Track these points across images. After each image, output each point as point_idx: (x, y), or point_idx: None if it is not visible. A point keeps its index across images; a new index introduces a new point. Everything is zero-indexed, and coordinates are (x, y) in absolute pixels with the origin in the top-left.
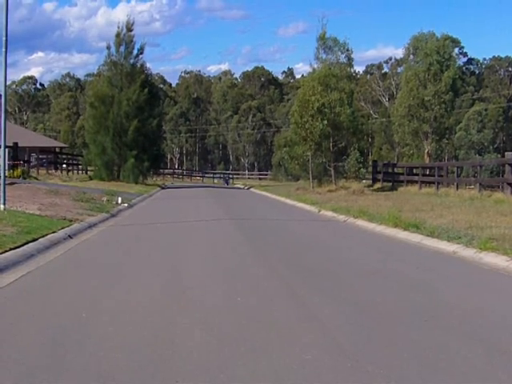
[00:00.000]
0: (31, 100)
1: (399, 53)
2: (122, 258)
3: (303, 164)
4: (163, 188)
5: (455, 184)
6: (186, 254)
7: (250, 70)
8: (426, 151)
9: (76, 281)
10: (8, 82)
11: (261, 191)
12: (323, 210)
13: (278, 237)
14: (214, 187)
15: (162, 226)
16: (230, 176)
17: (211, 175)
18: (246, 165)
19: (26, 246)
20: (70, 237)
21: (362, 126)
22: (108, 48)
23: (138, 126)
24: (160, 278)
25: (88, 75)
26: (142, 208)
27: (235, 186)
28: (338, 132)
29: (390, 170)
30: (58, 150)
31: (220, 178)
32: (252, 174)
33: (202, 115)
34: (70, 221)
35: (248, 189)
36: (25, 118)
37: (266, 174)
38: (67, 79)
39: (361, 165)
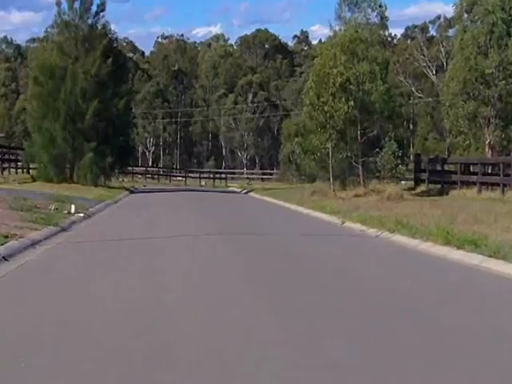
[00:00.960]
0: None
1: (450, 10)
2: (67, 301)
3: (321, 160)
4: (132, 192)
5: None
6: (158, 299)
7: (249, 33)
8: (487, 142)
9: None
10: None
11: (263, 196)
12: (348, 222)
13: (289, 264)
14: (200, 191)
15: (128, 244)
16: (223, 176)
17: (197, 175)
18: (245, 161)
19: None
20: (4, 259)
21: (400, 107)
22: (58, 4)
23: (98, 108)
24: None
25: (31, 40)
26: (102, 219)
27: (229, 188)
28: (367, 116)
29: (438, 168)
30: None
31: (209, 178)
32: (252, 174)
33: (185, 94)
34: (6, 237)
35: (246, 193)
36: None
37: (272, 174)
38: (3, 46)
39: (399, 160)
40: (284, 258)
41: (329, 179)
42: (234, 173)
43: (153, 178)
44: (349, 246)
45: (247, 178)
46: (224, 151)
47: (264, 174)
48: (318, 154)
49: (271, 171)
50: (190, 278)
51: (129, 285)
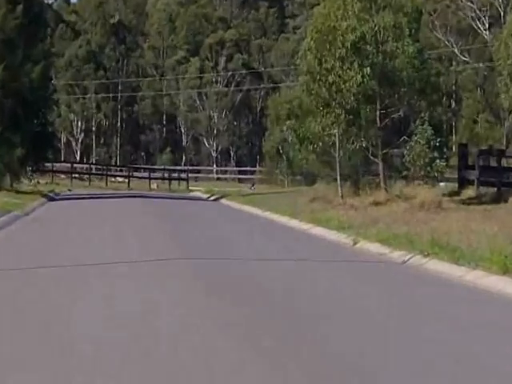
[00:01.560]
0: None
1: None
2: None
3: (324, 152)
4: (52, 199)
5: None
6: None
7: None
8: None
9: None
10: None
11: (242, 204)
12: (363, 242)
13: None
14: (150, 197)
15: (42, 284)
16: (183, 175)
17: (146, 174)
18: (214, 154)
19: None
20: None
21: (437, 77)
22: None
23: (2, 77)
24: None
25: None
26: (3, 242)
27: (192, 193)
28: (390, 90)
29: (493, 164)
30: None
31: (163, 179)
32: (226, 172)
33: (128, 59)
34: None
35: (216, 199)
36: None
37: (253, 172)
38: None
39: (435, 153)
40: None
41: (335, 180)
42: (198, 171)
43: (82, 179)
44: (362, 281)
45: (217, 179)
46: (184, 140)
47: (242, 172)
48: (320, 144)
49: (252, 169)
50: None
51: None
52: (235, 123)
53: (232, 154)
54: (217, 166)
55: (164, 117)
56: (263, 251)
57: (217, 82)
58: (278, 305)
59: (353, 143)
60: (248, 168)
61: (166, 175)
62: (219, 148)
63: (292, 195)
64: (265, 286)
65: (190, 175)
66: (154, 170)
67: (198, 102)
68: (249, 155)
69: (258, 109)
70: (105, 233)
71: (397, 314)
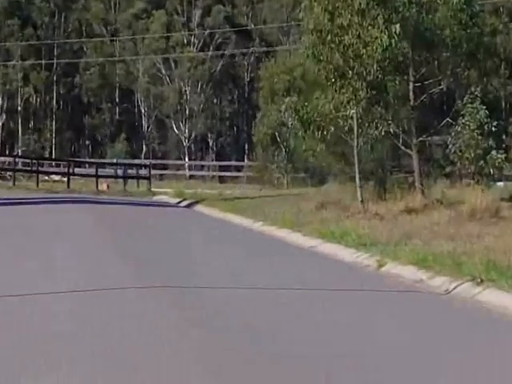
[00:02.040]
0: None
1: None
2: None
3: (337, 141)
4: None
5: None
6: None
7: None
8: None
9: None
10: None
11: (225, 213)
12: (391, 263)
13: None
14: (97, 202)
15: None
16: (143, 172)
17: (92, 171)
18: (186, 142)
19: None
20: None
21: (492, 37)
22: None
23: None
24: None
25: None
26: None
27: (155, 196)
28: (428, 54)
29: None
30: None
31: (116, 177)
32: (202, 168)
33: (67, 12)
34: None
35: (190, 205)
36: None
37: (240, 168)
38: None
39: (491, 141)
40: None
41: (352, 179)
42: (164, 166)
43: (3, 178)
44: (392, 322)
45: (190, 177)
46: (145, 124)
47: (224, 168)
48: (332, 129)
49: (239, 163)
50: None
51: None
52: (215, 101)
53: (211, 143)
54: (190, 159)
55: (117, 92)
56: (258, 280)
57: (189, 43)
58: (285, 369)
59: (377, 128)
60: (233, 162)
61: (120, 172)
62: (193, 135)
63: (293, 199)
64: (266, 337)
65: (152, 172)
66: (103, 166)
67: (163, 71)
68: (234, 145)
69: (247, 81)
70: (36, 251)
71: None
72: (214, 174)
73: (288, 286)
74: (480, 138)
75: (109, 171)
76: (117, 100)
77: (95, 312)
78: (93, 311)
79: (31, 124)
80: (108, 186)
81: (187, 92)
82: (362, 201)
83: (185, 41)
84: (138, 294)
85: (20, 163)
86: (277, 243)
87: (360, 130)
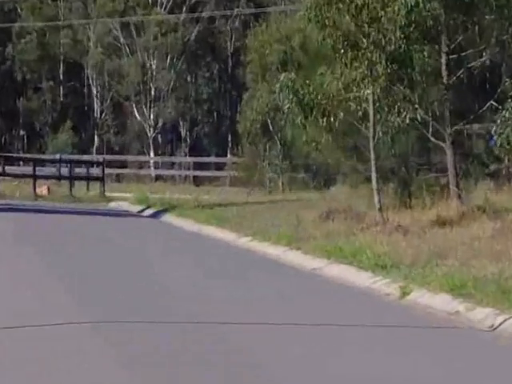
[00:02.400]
0: None
1: None
2: None
3: (348, 130)
4: None
5: None
6: None
7: None
8: None
9: None
10: None
11: (201, 224)
12: (417, 291)
13: None
14: (33, 210)
15: None
16: (95, 172)
17: (29, 169)
18: (151, 133)
19: None
20: None
21: None
22: None
23: None
24: None
25: None
26: None
27: (111, 203)
28: (466, 17)
29: None
30: None
31: (59, 178)
32: (172, 166)
33: None
34: None
35: (156, 214)
36: None
37: (222, 166)
38: None
39: None
40: None
41: (368, 180)
42: (124, 164)
43: None
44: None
45: (155, 177)
46: (97, 108)
47: (200, 166)
48: (341, 115)
49: (220, 159)
50: None
51: None
52: (189, 78)
53: (183, 133)
54: (156, 154)
55: (61, 67)
56: (245, 314)
57: (156, 3)
58: None
59: (399, 114)
60: (212, 158)
61: (65, 171)
62: (160, 122)
63: (291, 207)
64: None
65: (107, 171)
66: (42, 163)
67: (121, 39)
68: (213, 136)
69: (230, 52)
70: None
71: None
72: (188, 173)
73: (284, 321)
74: None
75: (50, 170)
76: (61, 77)
77: (27, 351)
78: (22, 350)
79: None
80: (49, 190)
81: (153, 67)
82: (380, 208)
83: (147, 2)
84: (77, 330)
85: None
86: (269, 264)
87: (378, 117)
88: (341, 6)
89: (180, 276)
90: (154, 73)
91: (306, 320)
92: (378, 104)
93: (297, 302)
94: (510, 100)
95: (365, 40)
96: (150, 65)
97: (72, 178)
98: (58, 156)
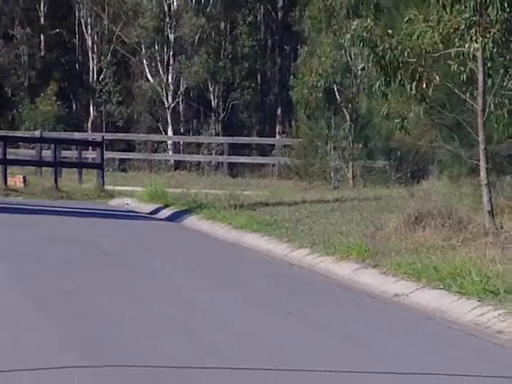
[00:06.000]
0: None
1: None
2: None
3: (447, 101)
4: None
5: None
6: None
7: None
8: None
9: None
10: None
11: (241, 231)
12: None
13: None
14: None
15: None
16: (92, 157)
17: None
18: (169, 102)
19: None
20: None
21: None
22: None
23: None
24: None
25: None
26: None
27: (113, 200)
28: None
29: None
30: None
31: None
32: (198, 148)
33: None
34: None
35: (175, 217)
36: None
37: (268, 150)
38: None
39: None
40: None
41: (474, 171)
42: (130, 145)
43: None
44: None
45: (175, 165)
46: (92, 64)
47: (238, 149)
48: (437, 78)
49: (265, 140)
50: None
51: None
52: (223, 25)
53: (214, 102)
54: (176, 132)
55: (41, 4)
56: (303, 357)
57: None
58: None
59: None
60: (254, 139)
61: (49, 154)
62: (182, 87)
63: (365, 208)
64: None
65: (108, 155)
66: (15, 142)
67: None
68: (256, 107)
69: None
70: None
71: None
72: (221, 159)
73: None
74: None
75: (27, 153)
76: (41, 21)
77: None
78: None
79: None
80: (25, 181)
81: (173, 7)
82: (491, 211)
83: None
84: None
85: None
86: (335, 290)
87: (489, 82)
88: None
89: (210, 308)
90: (175, 16)
91: (394, 366)
92: (490, 64)
93: (377, 340)
94: None
95: None
96: (170, 4)
97: (58, 165)
98: (37, 133)
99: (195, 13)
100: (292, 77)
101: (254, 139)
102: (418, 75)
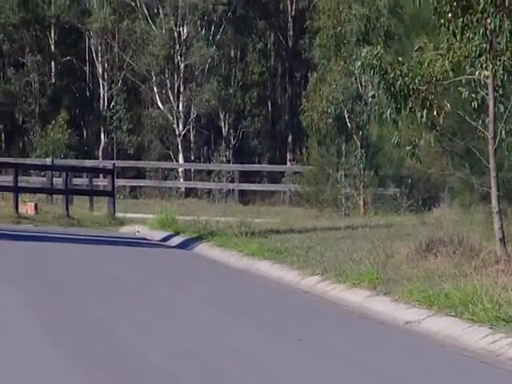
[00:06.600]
0: None
1: None
2: None
3: (458, 129)
4: None
5: None
6: None
7: None
8: None
9: None
10: None
11: (253, 258)
12: None
13: None
14: (10, 237)
15: None
16: (103, 185)
17: (9, 177)
18: (179, 129)
19: None
20: None
21: None
22: None
23: None
24: None
25: None
26: None
27: (123, 227)
28: None
29: None
30: None
31: (55, 192)
32: (209, 175)
33: None
34: None
35: (186, 245)
36: None
37: (278, 178)
38: None
39: None
40: None
41: (485, 198)
42: (141, 172)
43: None
44: None
45: (186, 192)
46: (103, 92)
47: (248, 176)
48: (448, 105)
49: (276, 168)
50: None
51: None
52: (233, 53)
53: (225, 130)
54: (187, 160)
55: (52, 33)
56: None
57: None
58: None
59: None
60: (265, 166)
61: (59, 182)
62: (193, 114)
63: (376, 235)
64: None
65: (119, 183)
66: (27, 170)
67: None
68: (267, 134)
69: (291, 15)
70: None
71: None
72: (231, 186)
73: None
74: None
75: (39, 180)
76: (52, 49)
77: None
78: None
79: None
80: (36, 208)
81: (183, 35)
82: (502, 239)
83: None
84: None
85: None
86: (346, 317)
87: (500, 109)
88: None
89: (225, 342)
90: (185, 44)
91: None
92: (500, 90)
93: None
94: None
95: None
96: (180, 32)
97: (69, 192)
98: (48, 161)
99: (205, 42)
100: (302, 104)
101: (265, 166)
102: (428, 103)
